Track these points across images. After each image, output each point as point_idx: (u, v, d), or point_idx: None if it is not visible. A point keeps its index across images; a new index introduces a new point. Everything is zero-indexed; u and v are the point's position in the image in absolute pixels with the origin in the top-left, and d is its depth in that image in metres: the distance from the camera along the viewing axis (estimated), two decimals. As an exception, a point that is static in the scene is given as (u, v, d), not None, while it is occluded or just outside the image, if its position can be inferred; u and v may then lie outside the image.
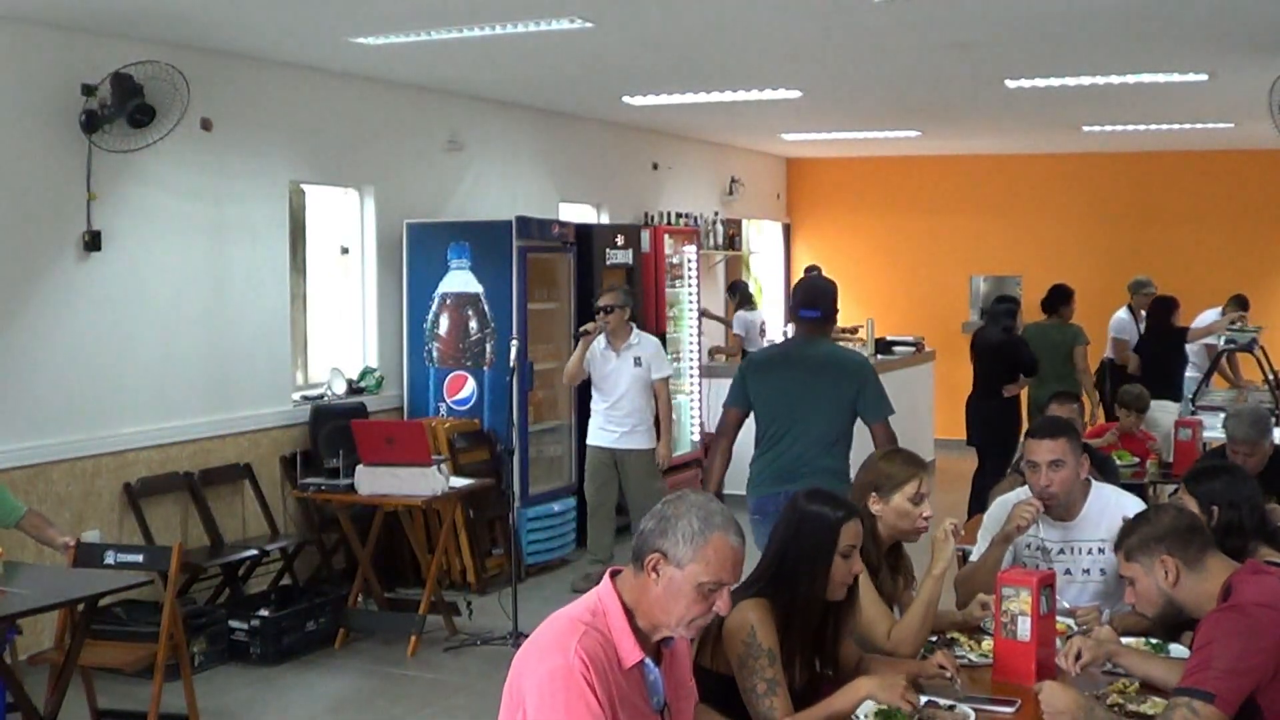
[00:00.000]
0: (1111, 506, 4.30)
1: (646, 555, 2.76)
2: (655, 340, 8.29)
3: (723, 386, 10.87)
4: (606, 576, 2.84)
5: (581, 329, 7.95)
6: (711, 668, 3.29)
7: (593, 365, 8.06)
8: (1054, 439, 4.28)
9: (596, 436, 8.23)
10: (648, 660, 2.79)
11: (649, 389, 8.11)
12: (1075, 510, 4.34)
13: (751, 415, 5.74)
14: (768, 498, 5.50)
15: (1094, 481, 4.43)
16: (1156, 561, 3.28)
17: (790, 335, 9.32)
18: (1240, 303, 11.08)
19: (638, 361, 8.04)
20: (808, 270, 12.68)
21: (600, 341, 8.00)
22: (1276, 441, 6.21)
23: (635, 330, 8.15)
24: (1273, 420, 6.50)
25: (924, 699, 3.32)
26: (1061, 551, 4.34)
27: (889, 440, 5.34)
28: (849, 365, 5.66)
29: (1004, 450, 8.96)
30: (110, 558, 5.34)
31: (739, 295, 12.66)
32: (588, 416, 9.26)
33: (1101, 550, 4.28)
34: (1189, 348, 10.49)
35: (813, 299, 5.76)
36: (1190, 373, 10.57)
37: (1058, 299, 10.11)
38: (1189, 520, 3.40)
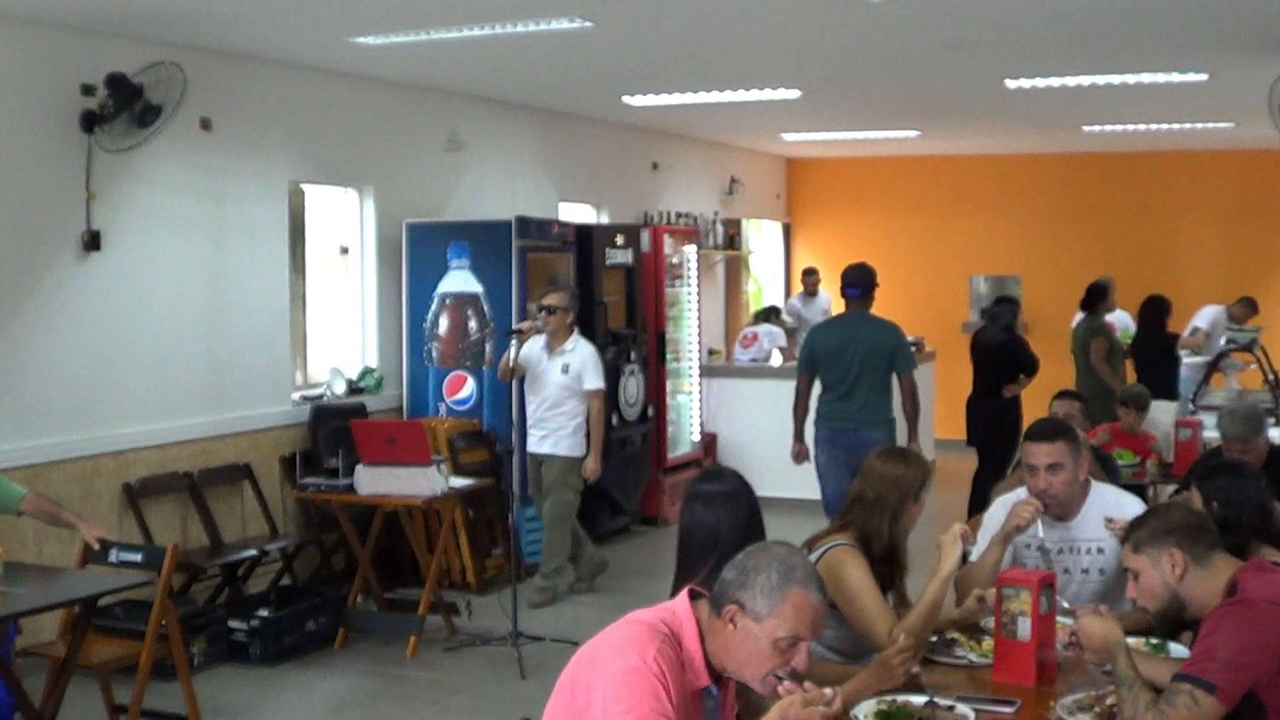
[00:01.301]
0: (1111, 506, 4.30)
1: (725, 605, 2.72)
2: (591, 349, 7.74)
3: (723, 386, 11.11)
4: (684, 596, 2.82)
5: (515, 327, 7.50)
6: None
7: (528, 365, 7.69)
8: (1051, 442, 4.24)
9: (529, 442, 7.88)
10: (712, 687, 2.78)
11: (577, 397, 7.66)
12: (1075, 510, 4.33)
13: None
14: (838, 431, 7.49)
15: (1093, 481, 4.42)
16: (1164, 554, 3.29)
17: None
18: (1250, 305, 11.09)
19: (565, 369, 7.62)
20: (806, 272, 12.75)
21: (539, 341, 7.62)
22: (1273, 439, 6.20)
23: (575, 335, 7.72)
24: (1269, 419, 6.49)
25: (924, 699, 3.32)
26: (1061, 551, 4.32)
27: (913, 387, 7.54)
28: (886, 331, 7.61)
29: (1005, 450, 8.96)
30: (114, 555, 5.35)
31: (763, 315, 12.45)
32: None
33: (1101, 550, 4.28)
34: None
35: (854, 280, 7.69)
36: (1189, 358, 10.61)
37: (1094, 295, 10.11)
38: (1199, 518, 3.42)
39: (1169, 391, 9.90)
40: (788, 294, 14.80)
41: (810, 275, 12.74)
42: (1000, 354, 9.48)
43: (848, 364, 7.48)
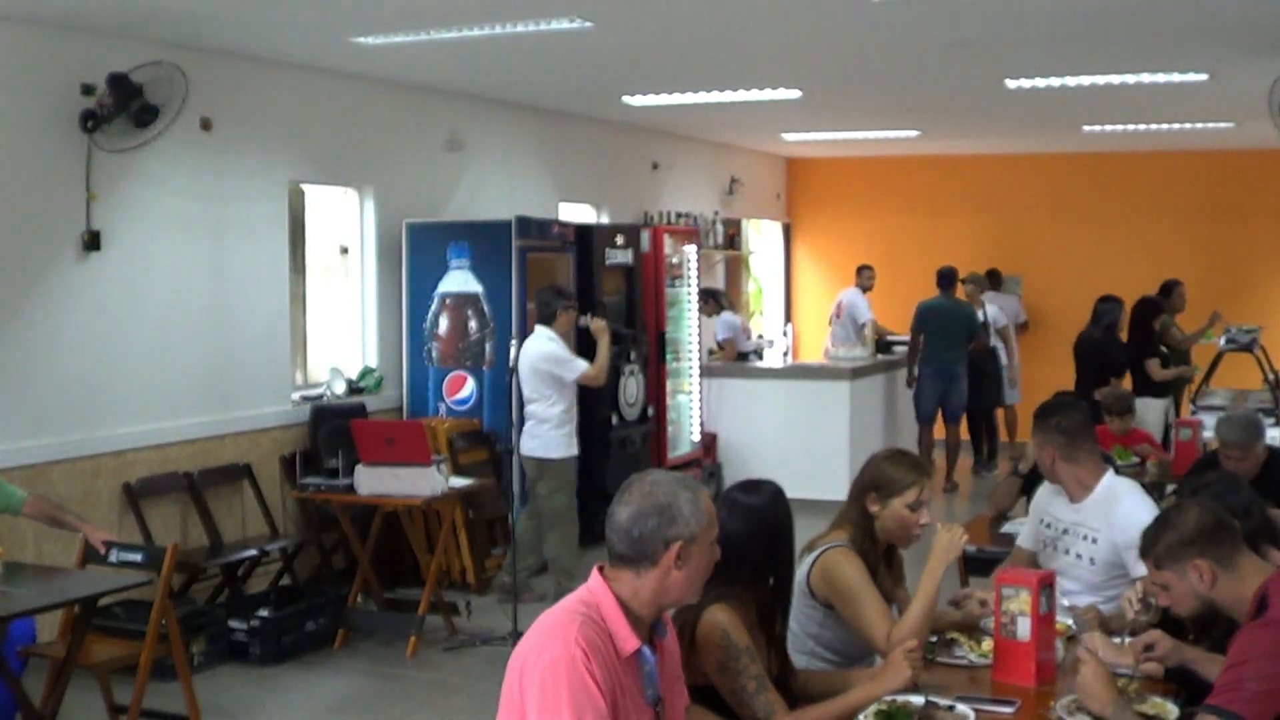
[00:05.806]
0: (1112, 501, 4.33)
1: (664, 551, 2.75)
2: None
3: (723, 385, 11.10)
4: (595, 572, 2.84)
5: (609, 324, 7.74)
6: (688, 682, 3.26)
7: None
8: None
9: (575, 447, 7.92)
10: (645, 649, 2.79)
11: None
12: (1085, 490, 4.40)
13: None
14: (937, 367, 11.49)
15: (1111, 474, 4.45)
16: (1189, 567, 3.19)
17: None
18: (992, 278, 12.95)
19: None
20: (862, 268, 12.98)
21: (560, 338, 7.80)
22: (1272, 442, 6.19)
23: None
24: (1269, 419, 6.47)
25: (923, 699, 3.32)
26: (1066, 531, 4.43)
27: (980, 342, 11.74)
28: (965, 308, 11.79)
29: None
30: (114, 555, 5.35)
31: (716, 301, 12.30)
32: (589, 416, 9.26)
33: (1095, 541, 4.32)
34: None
35: (946, 277, 11.68)
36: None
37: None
38: (1214, 517, 3.27)
39: (1157, 388, 9.90)
40: (788, 294, 14.83)
41: (867, 270, 12.81)
42: (1094, 353, 9.52)
43: (942, 327, 11.46)
